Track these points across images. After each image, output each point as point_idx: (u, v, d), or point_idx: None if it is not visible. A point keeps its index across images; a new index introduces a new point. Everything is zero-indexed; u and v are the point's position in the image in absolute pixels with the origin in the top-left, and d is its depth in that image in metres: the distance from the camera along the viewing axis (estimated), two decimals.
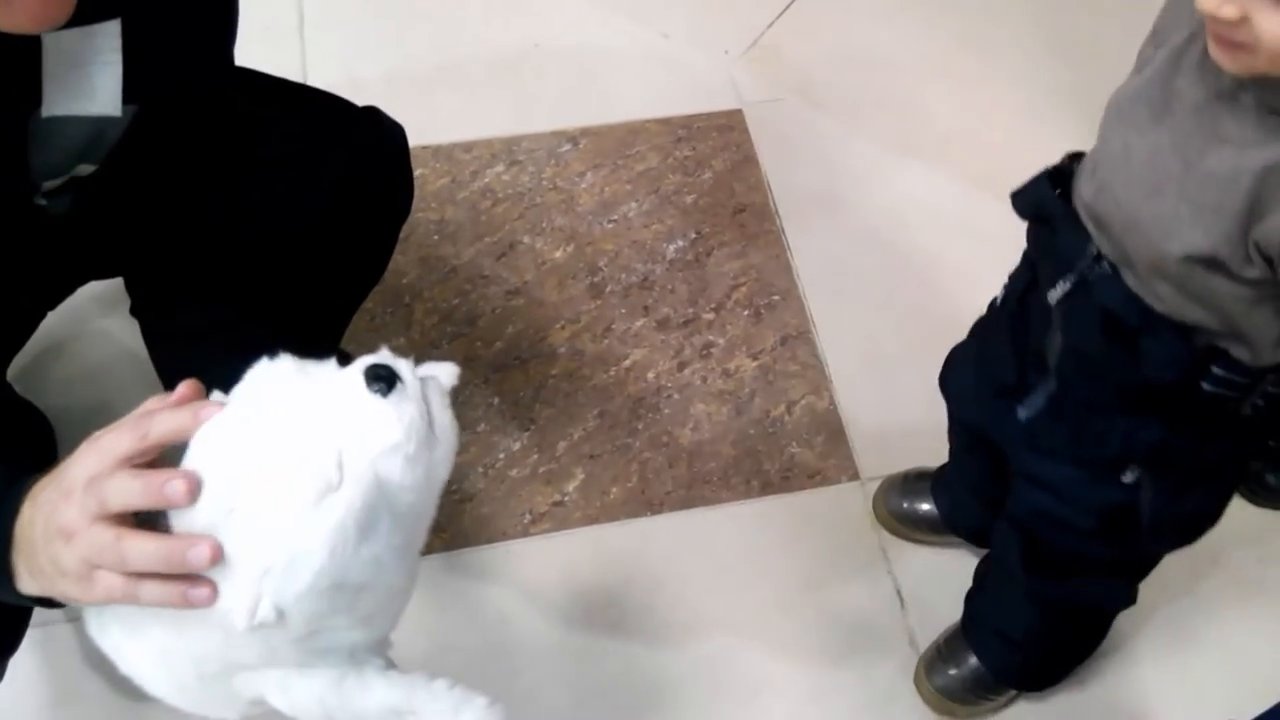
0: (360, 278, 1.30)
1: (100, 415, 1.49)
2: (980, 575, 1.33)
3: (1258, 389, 0.90)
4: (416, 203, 1.30)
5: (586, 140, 1.81)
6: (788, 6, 2.00)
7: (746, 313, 1.66)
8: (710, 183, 1.78)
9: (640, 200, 1.75)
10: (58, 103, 0.90)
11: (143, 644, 0.76)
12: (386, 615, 0.77)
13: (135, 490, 0.68)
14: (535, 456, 1.52)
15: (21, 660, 1.09)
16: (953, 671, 1.34)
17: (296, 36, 1.87)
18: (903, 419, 1.55)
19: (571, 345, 1.61)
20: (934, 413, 1.28)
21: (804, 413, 1.58)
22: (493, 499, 1.48)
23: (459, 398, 0.75)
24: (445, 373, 0.75)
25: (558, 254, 1.69)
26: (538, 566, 1.44)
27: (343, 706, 0.75)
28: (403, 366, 0.71)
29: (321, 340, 1.27)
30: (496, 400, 1.55)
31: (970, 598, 1.34)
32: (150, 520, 0.71)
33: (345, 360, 0.73)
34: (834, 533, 1.49)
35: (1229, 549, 1.49)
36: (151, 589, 0.69)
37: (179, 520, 0.69)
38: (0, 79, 0.86)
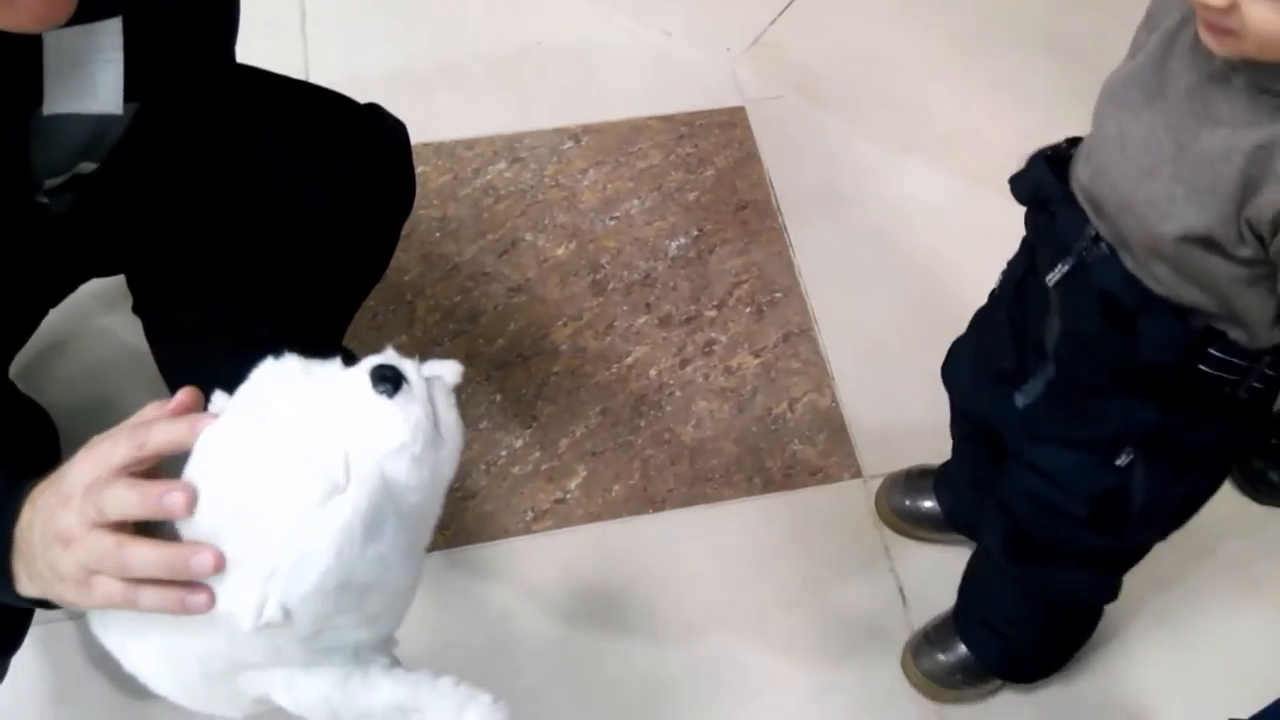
0: (362, 275, 1.30)
1: (102, 412, 1.49)
2: (972, 564, 1.33)
3: (1255, 371, 0.91)
4: (418, 200, 1.30)
5: (588, 137, 1.81)
6: (789, 4, 2.00)
7: (748, 310, 1.66)
8: (712, 180, 1.78)
9: (642, 197, 1.75)
10: (59, 101, 0.90)
11: (146, 642, 0.76)
12: (392, 614, 0.77)
13: (133, 500, 0.68)
14: (537, 454, 1.52)
15: (24, 658, 1.09)
16: (940, 657, 1.35)
17: (298, 33, 1.87)
18: (905, 416, 1.55)
19: (573, 342, 1.61)
20: (936, 410, 1.28)
21: (806, 410, 1.58)
22: (495, 496, 1.48)
23: (461, 395, 0.75)
24: (448, 370, 0.75)
25: (560, 251, 1.69)
26: (540, 564, 1.44)
27: (348, 705, 0.75)
28: (408, 367, 0.71)
29: (324, 338, 1.27)
30: (498, 397, 1.55)
31: (962, 586, 1.35)
32: (153, 523, 0.71)
33: (349, 359, 0.73)
34: (836, 530, 1.49)
35: (1230, 546, 1.49)
36: (150, 595, 0.69)
37: (185, 521, 0.69)
38: (1, 77, 0.86)
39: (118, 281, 1.28)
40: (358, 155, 1.15)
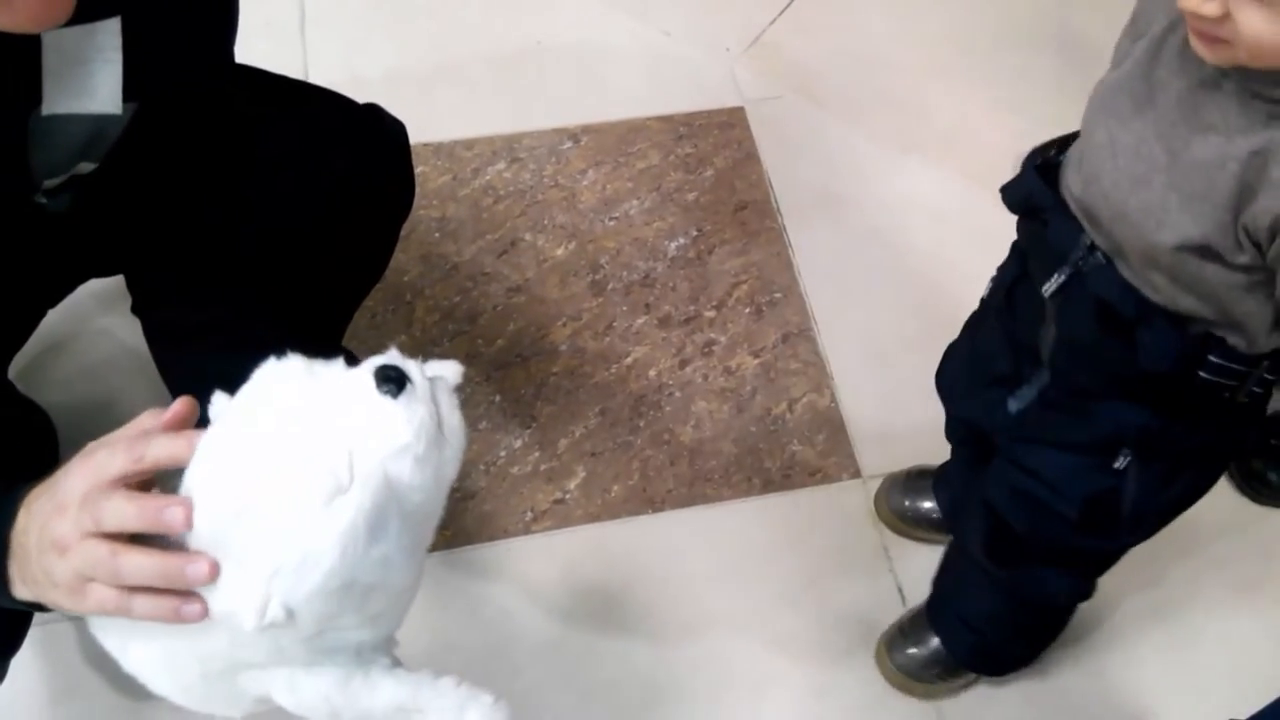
0: (361, 275, 1.30)
1: (101, 413, 1.50)
2: (948, 557, 1.33)
3: (1254, 376, 0.91)
4: (417, 200, 1.30)
5: (588, 138, 1.81)
6: (789, 4, 2.00)
7: (748, 310, 1.66)
8: (711, 180, 1.78)
9: (642, 198, 1.75)
10: (58, 101, 0.90)
11: (146, 643, 0.76)
12: (394, 614, 0.77)
13: (131, 513, 0.69)
14: (537, 454, 1.52)
15: (23, 659, 1.09)
16: (912, 650, 1.35)
17: (298, 33, 1.87)
18: (904, 416, 1.55)
19: (573, 343, 1.61)
20: (935, 410, 1.28)
21: (805, 410, 1.58)
22: (494, 496, 1.48)
23: (460, 396, 0.75)
24: (450, 371, 0.75)
25: (559, 251, 1.69)
26: (539, 564, 1.44)
27: (349, 705, 0.75)
28: (412, 367, 0.71)
29: (323, 338, 1.27)
30: (498, 398, 1.55)
31: (937, 578, 1.35)
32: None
33: (349, 360, 0.73)
34: (835, 530, 1.49)
35: (1229, 546, 1.49)
36: (144, 603, 0.69)
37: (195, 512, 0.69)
38: (0, 77, 0.86)
39: (116, 282, 1.28)
40: (357, 155, 1.15)
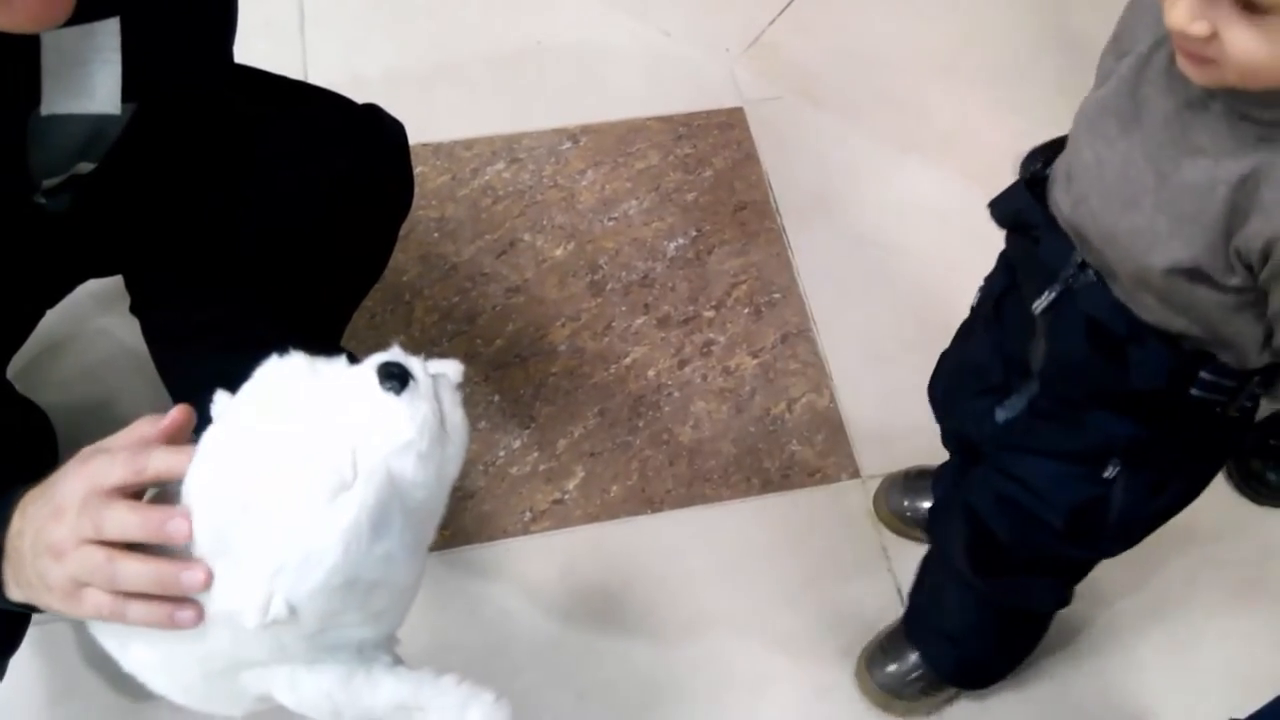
0: (360, 276, 1.30)
1: (100, 413, 1.49)
2: (923, 568, 1.32)
3: (1245, 391, 0.90)
4: (417, 200, 1.30)
5: (587, 138, 1.81)
6: (788, 5, 2.00)
7: (747, 310, 1.66)
8: (711, 180, 1.78)
9: (641, 198, 1.75)
10: (57, 101, 0.90)
11: (147, 643, 0.76)
12: (396, 611, 0.77)
13: (134, 524, 0.69)
14: (535, 454, 1.52)
15: (21, 658, 1.09)
16: (891, 668, 1.35)
17: (297, 33, 1.87)
18: (903, 417, 1.54)
19: (572, 343, 1.61)
20: None
21: (804, 411, 1.58)
22: (493, 497, 1.48)
23: (460, 394, 0.75)
24: (451, 368, 0.75)
25: (558, 252, 1.69)
26: (538, 564, 1.44)
27: (351, 702, 0.75)
28: (415, 364, 0.71)
29: (322, 338, 1.27)
30: (497, 398, 1.55)
31: (912, 594, 1.34)
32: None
33: (349, 360, 0.73)
34: (835, 531, 1.49)
35: (1229, 546, 1.49)
36: (138, 608, 0.70)
37: (195, 520, 0.69)
38: (0, 77, 0.86)
39: (115, 282, 1.27)
40: (356, 155, 1.14)
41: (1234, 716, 1.16)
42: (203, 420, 0.73)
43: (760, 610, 1.42)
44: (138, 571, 0.69)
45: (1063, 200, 0.90)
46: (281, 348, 0.73)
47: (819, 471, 1.53)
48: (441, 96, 1.83)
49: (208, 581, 0.68)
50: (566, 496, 1.49)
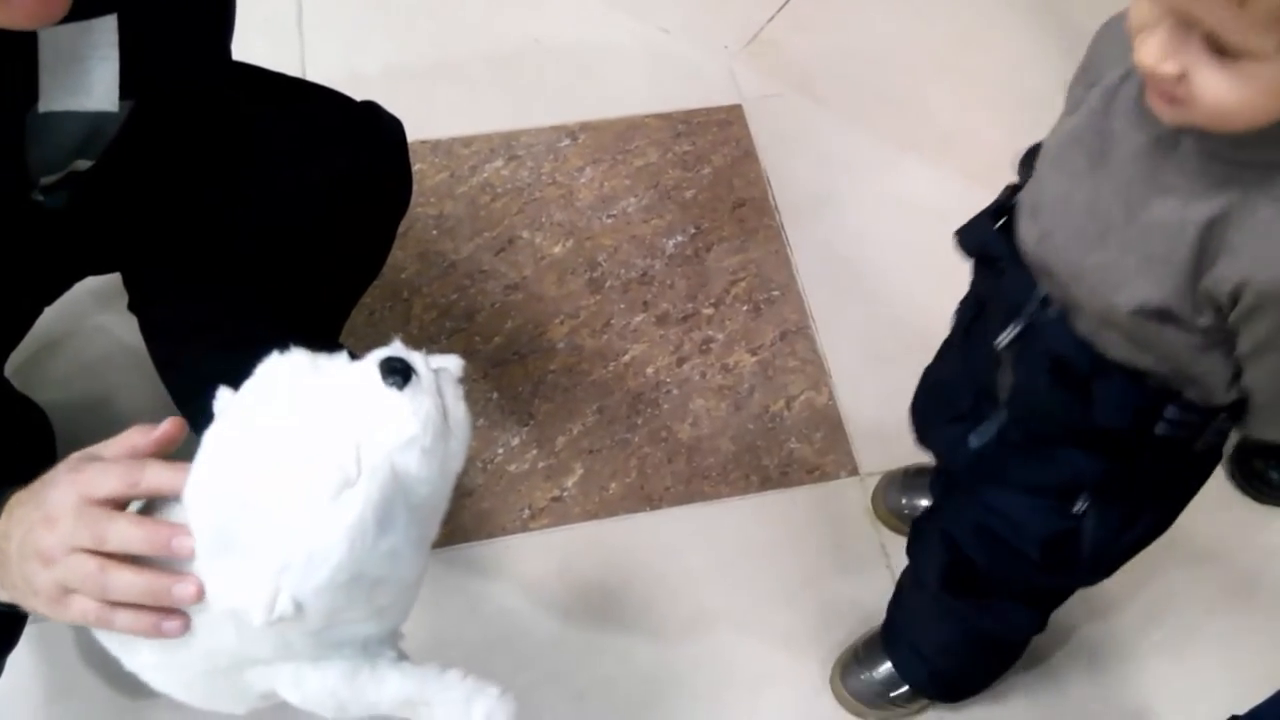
0: (359, 273, 1.30)
1: (98, 410, 1.49)
2: (901, 583, 1.32)
3: (1212, 427, 0.88)
4: (415, 198, 1.30)
5: (586, 135, 1.81)
6: (787, 2, 1.99)
7: (746, 308, 1.66)
8: (709, 178, 1.78)
9: (639, 195, 1.75)
10: (55, 98, 0.90)
11: (149, 642, 0.76)
12: (400, 606, 0.77)
13: (137, 538, 0.69)
14: (534, 452, 1.51)
15: (19, 657, 1.09)
16: (864, 676, 1.35)
17: (295, 31, 1.87)
18: (902, 415, 1.53)
19: (570, 340, 1.61)
20: None
21: (803, 408, 1.58)
22: (492, 494, 1.48)
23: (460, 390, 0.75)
24: (452, 363, 0.75)
25: (557, 249, 1.69)
26: (537, 562, 1.44)
27: (356, 698, 0.75)
28: (417, 359, 0.71)
29: (320, 335, 1.27)
30: (495, 395, 1.55)
31: (890, 606, 1.34)
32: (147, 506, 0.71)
33: (351, 356, 0.73)
34: (833, 528, 1.49)
35: (1230, 546, 1.49)
36: (126, 617, 0.70)
37: (196, 515, 0.69)
38: None
39: (113, 279, 1.27)
40: (354, 152, 1.14)
41: (1235, 714, 1.16)
42: (203, 416, 0.73)
43: (759, 607, 1.42)
44: (130, 582, 0.69)
45: (1028, 234, 0.88)
46: (280, 345, 0.73)
47: (818, 469, 1.53)
48: (440, 93, 1.82)
49: (199, 595, 0.68)
50: (565, 494, 1.49)
